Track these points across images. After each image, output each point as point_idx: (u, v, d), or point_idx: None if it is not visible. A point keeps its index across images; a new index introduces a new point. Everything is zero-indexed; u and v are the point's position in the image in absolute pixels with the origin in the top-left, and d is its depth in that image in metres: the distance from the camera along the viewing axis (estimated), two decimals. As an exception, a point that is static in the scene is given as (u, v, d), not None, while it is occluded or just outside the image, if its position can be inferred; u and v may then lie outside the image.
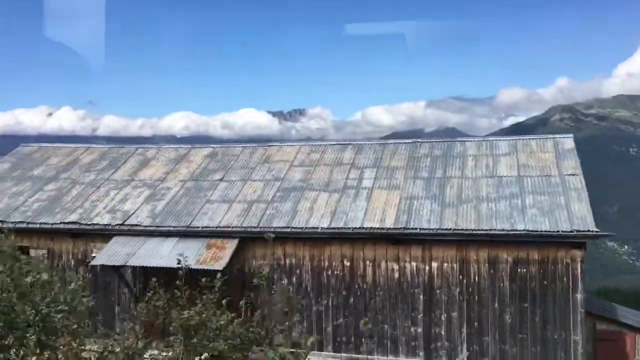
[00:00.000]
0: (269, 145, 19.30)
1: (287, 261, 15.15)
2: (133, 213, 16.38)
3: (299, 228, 14.90)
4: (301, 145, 18.98)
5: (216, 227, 15.35)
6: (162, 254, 15.01)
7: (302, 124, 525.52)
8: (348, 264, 14.78)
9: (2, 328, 5.56)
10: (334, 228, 14.69)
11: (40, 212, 16.88)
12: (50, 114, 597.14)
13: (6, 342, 5.41)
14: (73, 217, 16.44)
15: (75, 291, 5.73)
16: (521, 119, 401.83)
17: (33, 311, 5.46)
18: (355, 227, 14.55)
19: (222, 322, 5.25)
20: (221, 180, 17.52)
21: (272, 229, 14.97)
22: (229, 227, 15.33)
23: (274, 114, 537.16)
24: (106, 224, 16.07)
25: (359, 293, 14.72)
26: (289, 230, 14.91)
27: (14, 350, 5.45)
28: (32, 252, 16.20)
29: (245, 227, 15.20)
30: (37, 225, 16.38)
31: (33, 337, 5.13)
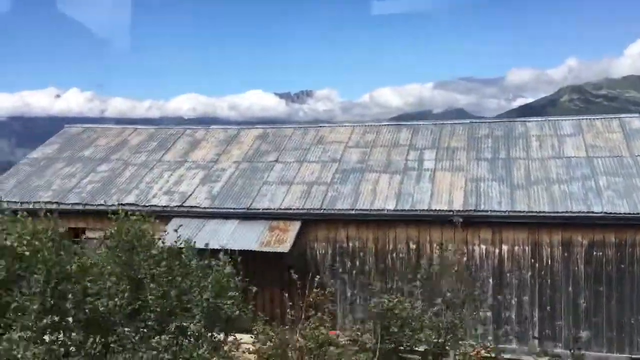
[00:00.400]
0: (320, 126, 19.00)
1: (350, 244, 14.92)
2: (190, 194, 16.16)
3: (364, 210, 14.65)
4: (354, 126, 18.66)
5: (277, 209, 15.12)
6: (224, 235, 14.81)
7: (309, 106, 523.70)
8: (414, 246, 14.54)
9: (162, 314, 5.37)
10: (401, 210, 14.43)
11: (95, 194, 16.69)
12: (58, 96, 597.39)
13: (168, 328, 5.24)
14: (130, 199, 16.23)
15: (228, 275, 5.53)
16: (530, 100, 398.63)
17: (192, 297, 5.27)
18: (423, 210, 14.28)
19: (415, 311, 5.04)
20: (276, 161, 17.24)
21: (336, 211, 14.77)
22: (291, 209, 15.10)
23: (281, 95, 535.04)
24: (164, 206, 15.86)
25: (425, 276, 14.47)
26: (353, 212, 14.66)
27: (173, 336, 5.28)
28: (89, 234, 16.04)
29: (308, 209, 14.96)
30: (94, 207, 16.19)
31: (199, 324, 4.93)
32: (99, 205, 16.22)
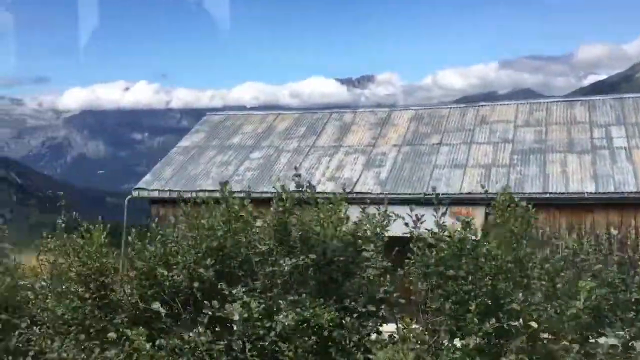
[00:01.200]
0: (480, 105, 17.89)
1: (540, 231, 13.81)
2: (357, 180, 15.49)
3: (559, 193, 13.50)
4: (518, 104, 17.43)
5: (458, 194, 14.20)
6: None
7: (370, 91, 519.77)
8: (616, 232, 13.27)
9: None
10: (602, 193, 13.19)
11: (256, 181, 16.29)
12: (127, 89, 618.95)
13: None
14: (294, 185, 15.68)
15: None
16: (602, 77, 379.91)
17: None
18: (631, 192, 13.00)
19: None
20: (439, 144, 16.30)
21: (526, 195, 13.68)
22: (472, 193, 14.14)
23: (342, 81, 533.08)
24: (330, 192, 15.21)
25: (630, 264, 13.21)
26: (547, 196, 13.55)
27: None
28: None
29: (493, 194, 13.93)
30: (259, 195, 15.76)
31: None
32: (263, 192, 15.80)
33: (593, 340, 4.99)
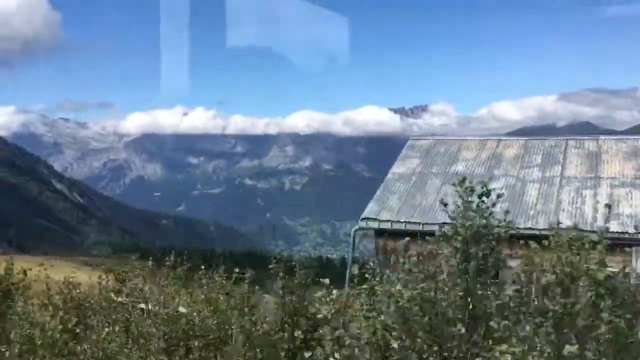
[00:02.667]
0: None
1: None
2: (646, 219, 13.09)
3: None
4: None
5: None
6: None
7: (424, 121, 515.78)
8: None
9: None
10: None
11: (511, 215, 14.07)
12: (185, 114, 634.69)
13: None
14: (566, 221, 13.40)
15: None
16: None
17: None
18: None
19: None
20: None
21: None
22: None
23: (395, 110, 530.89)
24: (621, 232, 12.91)
25: None
26: None
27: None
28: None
29: None
30: (519, 230, 13.59)
31: None
32: (527, 228, 13.61)
33: None
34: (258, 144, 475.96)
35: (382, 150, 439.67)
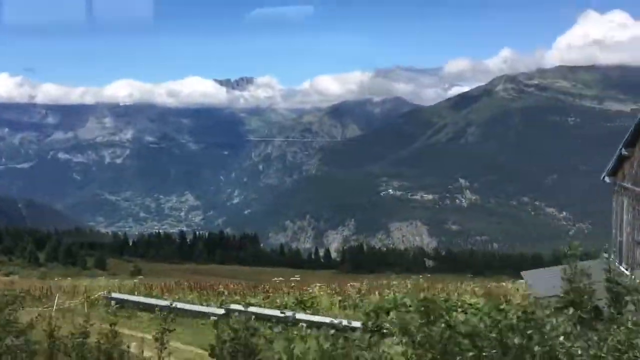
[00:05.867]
0: None
1: None
2: None
3: None
4: None
5: None
6: None
7: (250, 93, 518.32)
8: None
9: None
10: None
11: None
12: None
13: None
14: None
15: None
16: (465, 88, 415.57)
17: None
18: None
19: None
20: None
21: None
22: None
23: (220, 82, 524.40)
24: None
25: None
26: None
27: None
28: None
29: None
30: None
31: None
32: None
33: None
34: (73, 114, 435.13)
35: (208, 122, 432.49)
